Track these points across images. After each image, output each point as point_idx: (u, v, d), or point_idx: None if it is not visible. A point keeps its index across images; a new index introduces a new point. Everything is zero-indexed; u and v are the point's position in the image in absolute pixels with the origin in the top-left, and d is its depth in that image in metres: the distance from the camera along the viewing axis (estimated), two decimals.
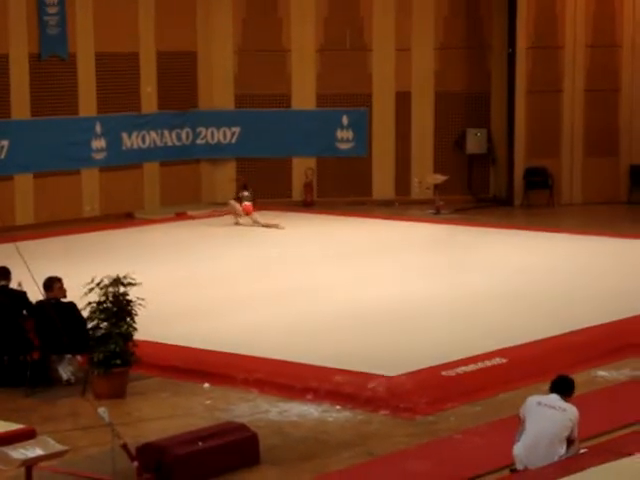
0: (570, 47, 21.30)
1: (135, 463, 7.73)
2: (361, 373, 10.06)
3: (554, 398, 7.41)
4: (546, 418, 7.30)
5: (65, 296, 10.30)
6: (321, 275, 14.66)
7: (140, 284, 9.94)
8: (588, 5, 21.28)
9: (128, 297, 9.80)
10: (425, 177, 21.33)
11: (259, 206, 19.49)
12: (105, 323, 9.76)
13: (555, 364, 9.78)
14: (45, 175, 19.23)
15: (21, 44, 18.81)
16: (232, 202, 19.10)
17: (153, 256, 16.02)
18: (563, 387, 7.47)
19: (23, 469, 7.20)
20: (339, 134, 21.57)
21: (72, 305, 10.14)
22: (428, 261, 15.86)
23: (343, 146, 21.64)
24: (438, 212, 20.32)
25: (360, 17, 21.43)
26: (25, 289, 10.36)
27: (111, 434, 7.72)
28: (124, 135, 20.28)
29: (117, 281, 9.78)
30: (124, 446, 7.72)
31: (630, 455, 7.47)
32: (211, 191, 21.49)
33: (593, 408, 8.92)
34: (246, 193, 19.22)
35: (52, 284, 10.19)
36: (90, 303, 9.83)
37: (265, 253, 16.41)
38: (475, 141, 21.74)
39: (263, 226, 18.58)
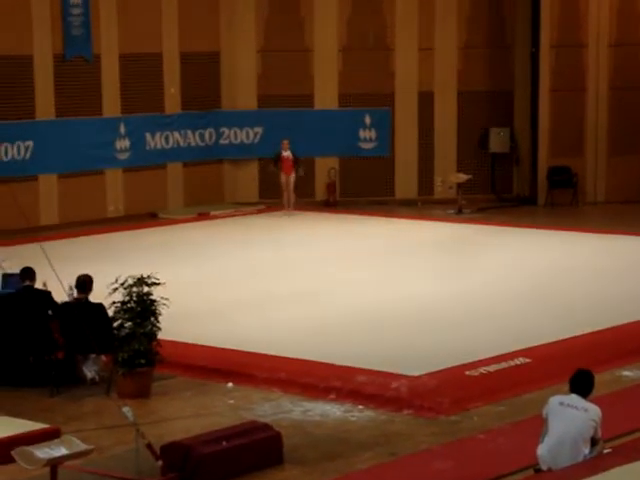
0: (594, 46, 21.19)
1: (159, 462, 7.76)
2: (384, 373, 10.06)
3: (575, 398, 7.37)
4: (569, 419, 7.27)
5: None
6: (343, 275, 14.65)
7: (164, 284, 9.98)
8: (612, 3, 21.16)
9: (152, 297, 9.84)
10: (448, 176, 21.28)
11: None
12: (129, 323, 9.80)
13: (579, 364, 9.69)
14: (69, 176, 19.34)
15: (45, 45, 18.94)
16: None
17: (176, 256, 16.07)
18: (582, 387, 7.41)
19: (48, 468, 7.25)
20: (362, 134, 21.55)
21: (100, 305, 10.18)
22: (450, 261, 15.82)
23: (366, 146, 21.62)
24: (460, 211, 20.28)
25: (383, 16, 21.41)
26: (50, 289, 10.42)
27: (135, 433, 7.76)
28: (148, 135, 20.37)
29: (141, 281, 9.81)
30: (148, 445, 7.75)
31: None
32: (234, 191, 21.54)
33: (618, 408, 8.88)
34: (285, 153, 19.67)
35: (89, 284, 10.23)
36: (114, 303, 9.87)
37: (288, 253, 16.43)
38: (498, 140, 21.67)
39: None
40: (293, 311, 12.62)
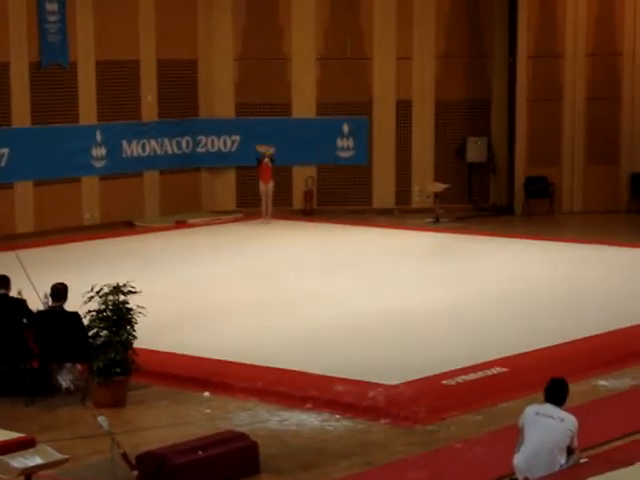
0: (570, 56, 21.33)
1: (135, 472, 7.73)
2: (361, 382, 10.05)
3: (551, 407, 7.39)
4: (545, 428, 7.28)
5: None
6: (321, 284, 14.65)
7: (140, 292, 9.94)
8: (589, 14, 21.31)
9: (128, 305, 9.80)
10: (425, 185, 21.34)
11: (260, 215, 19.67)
12: (105, 331, 9.75)
13: (556, 373, 9.71)
14: (45, 183, 19.24)
15: (22, 52, 18.84)
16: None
17: (153, 264, 16.02)
18: (557, 396, 7.42)
19: (23, 478, 7.19)
20: (339, 142, 21.58)
21: (75, 314, 10.12)
22: (427, 270, 15.85)
23: (343, 154, 21.65)
24: (437, 220, 20.33)
25: (361, 25, 21.46)
26: (25, 297, 10.35)
27: (111, 443, 7.73)
28: (124, 143, 20.31)
29: (117, 289, 9.78)
30: (124, 455, 7.71)
31: (631, 464, 7.46)
32: (211, 199, 21.50)
33: (594, 417, 8.92)
34: (265, 161, 19.77)
35: (64, 292, 10.16)
36: (90, 311, 9.83)
37: (265, 261, 16.41)
38: (475, 149, 21.76)
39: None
40: (270, 320, 12.60)
